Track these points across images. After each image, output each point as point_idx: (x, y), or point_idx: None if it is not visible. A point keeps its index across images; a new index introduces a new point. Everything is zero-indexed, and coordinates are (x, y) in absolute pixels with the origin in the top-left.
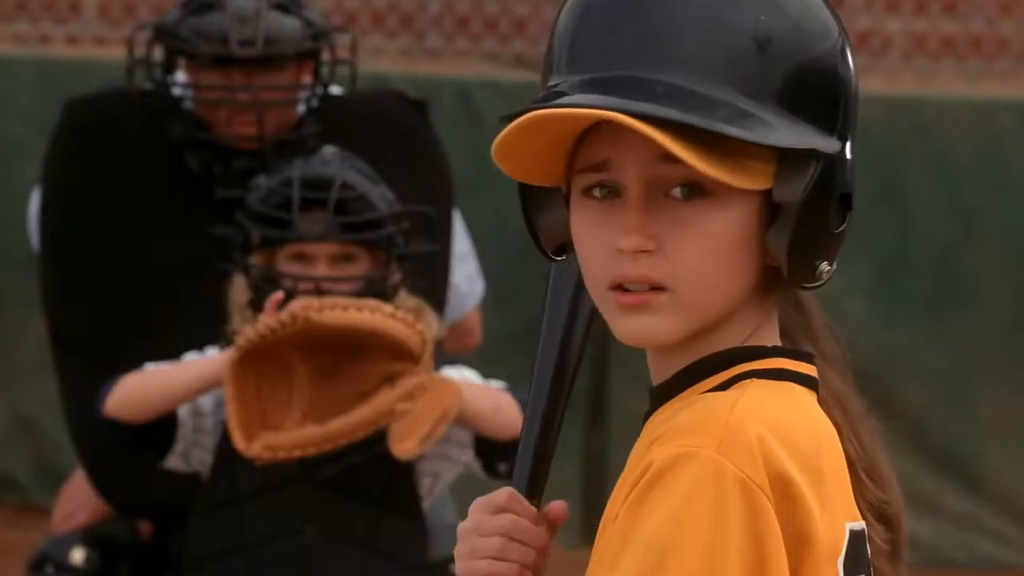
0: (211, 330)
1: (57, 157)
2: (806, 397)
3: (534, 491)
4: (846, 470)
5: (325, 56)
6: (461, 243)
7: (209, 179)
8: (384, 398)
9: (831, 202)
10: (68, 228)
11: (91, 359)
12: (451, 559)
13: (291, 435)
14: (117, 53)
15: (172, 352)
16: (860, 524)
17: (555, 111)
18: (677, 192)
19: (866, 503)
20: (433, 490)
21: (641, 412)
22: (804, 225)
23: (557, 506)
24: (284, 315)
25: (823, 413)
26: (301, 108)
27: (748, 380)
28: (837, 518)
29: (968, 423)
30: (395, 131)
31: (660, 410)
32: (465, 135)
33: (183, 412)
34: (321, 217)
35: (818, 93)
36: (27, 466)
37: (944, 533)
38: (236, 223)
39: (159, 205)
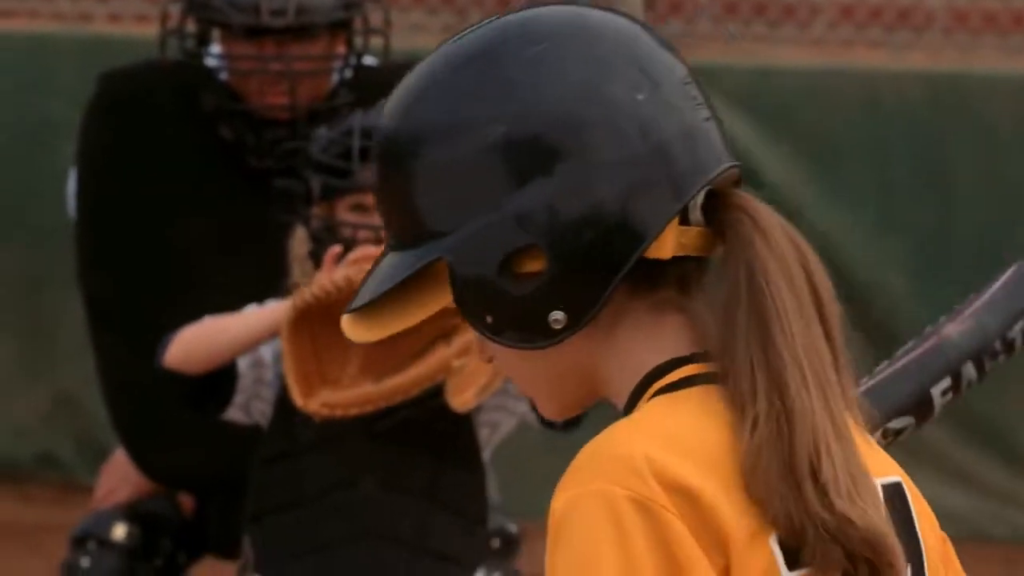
0: (241, 296)
1: (92, 128)
2: (712, 393)
3: None
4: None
5: (358, 26)
6: None
7: (242, 149)
8: (440, 355)
9: (488, 281)
10: (103, 198)
11: (125, 328)
12: (496, 533)
13: (349, 393)
14: (158, 31)
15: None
16: None
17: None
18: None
19: None
20: (491, 441)
21: None
22: (480, 312)
23: None
24: (340, 279)
25: (731, 404)
26: (334, 78)
27: (652, 400)
28: (751, 504)
29: (1007, 396)
30: None
31: None
32: None
33: (243, 364)
34: None
35: (433, 194)
36: (69, 444)
37: (982, 507)
38: (297, 177)
39: (192, 175)
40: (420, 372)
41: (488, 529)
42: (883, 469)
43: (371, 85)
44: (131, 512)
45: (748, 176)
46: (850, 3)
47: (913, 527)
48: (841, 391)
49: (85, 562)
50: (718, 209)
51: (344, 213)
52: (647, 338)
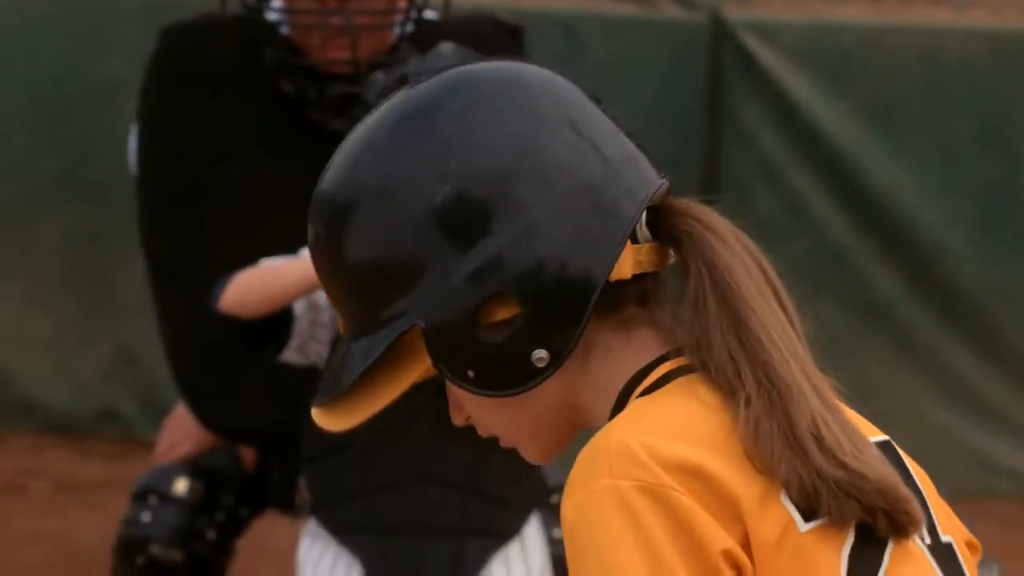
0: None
1: (153, 84)
2: (694, 381)
3: None
4: None
5: None
6: None
7: (304, 104)
8: None
9: (463, 335)
10: (163, 154)
11: (185, 281)
12: (557, 489)
13: None
14: None
15: None
16: None
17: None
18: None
19: None
20: None
21: None
22: (461, 371)
23: None
24: None
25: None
26: (395, 32)
27: (633, 402)
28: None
29: None
30: (489, 55)
31: None
32: (568, 69)
33: (299, 307)
34: None
35: (387, 284)
36: (130, 400)
37: None
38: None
39: (253, 130)
40: None
41: (543, 474)
42: (870, 430)
43: (432, 39)
44: (193, 467)
45: (808, 134)
46: None
47: (913, 480)
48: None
49: (146, 516)
50: (662, 221)
51: None
52: (619, 357)
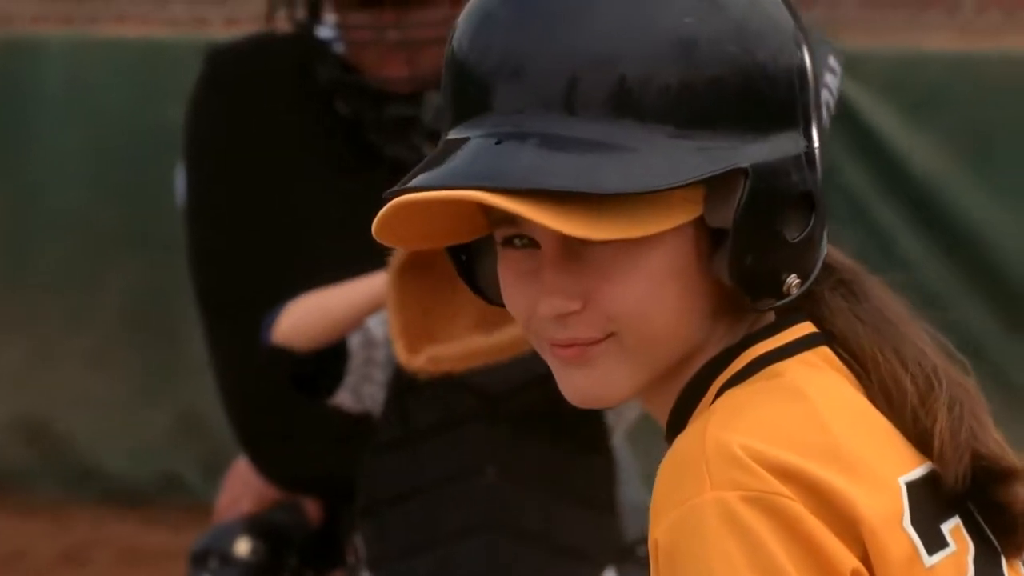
0: (357, 277)
1: (201, 110)
2: (797, 369)
3: None
4: (878, 419)
5: None
6: None
7: (361, 126)
8: None
9: (779, 212)
10: (213, 182)
11: (238, 320)
12: (641, 541)
13: (456, 345)
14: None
15: None
16: (921, 470)
17: (412, 198)
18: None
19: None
20: (618, 425)
21: None
22: (746, 246)
23: None
24: None
25: (831, 371)
26: None
27: (723, 394)
28: (882, 480)
29: None
30: None
31: None
32: None
33: (354, 342)
34: None
35: (753, 96)
36: (195, 465)
37: None
38: (410, 146)
39: (307, 155)
40: None
41: (620, 521)
42: (906, 462)
43: None
44: (254, 525)
45: (893, 167)
46: None
47: None
48: None
49: None
50: None
51: None
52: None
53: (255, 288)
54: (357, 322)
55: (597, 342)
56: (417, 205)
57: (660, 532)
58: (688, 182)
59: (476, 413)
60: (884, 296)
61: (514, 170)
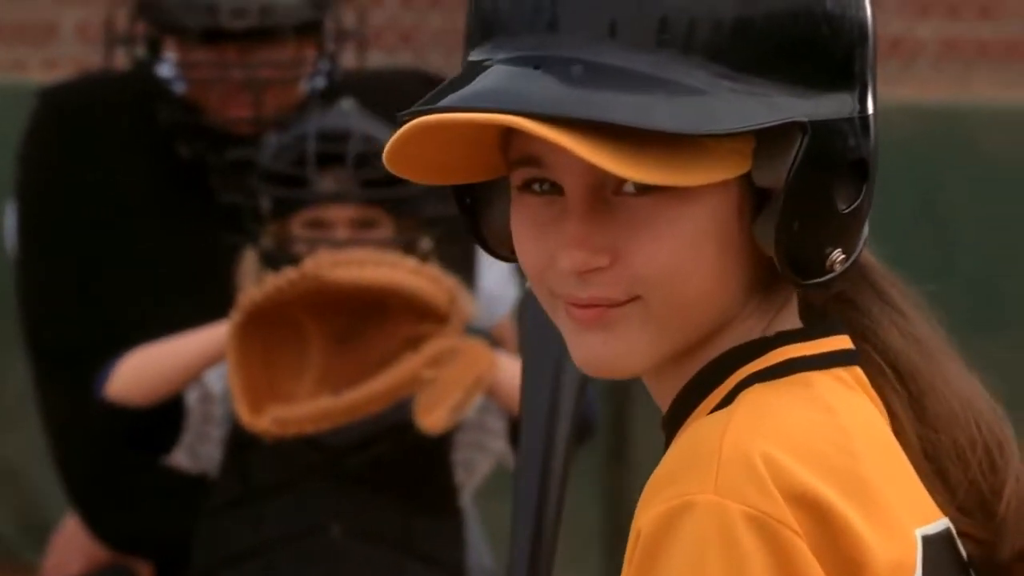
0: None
1: (33, 150)
2: (829, 385)
3: None
4: (902, 458)
5: (329, 29)
6: None
7: (202, 169)
8: (407, 364)
9: (832, 177)
10: (48, 227)
11: (75, 371)
12: None
13: (303, 407)
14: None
15: None
16: (939, 525)
17: (440, 118)
18: (630, 187)
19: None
20: (468, 484)
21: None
22: (796, 211)
23: None
24: (293, 273)
25: (863, 395)
26: (304, 87)
27: (748, 388)
28: (899, 527)
29: None
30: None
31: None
32: None
33: (191, 398)
34: (340, 176)
35: (815, 45)
36: (11, 520)
37: None
38: (246, 193)
39: (146, 200)
40: (384, 383)
41: None
42: (926, 513)
43: (346, 93)
44: None
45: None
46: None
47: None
48: None
49: None
50: None
51: (299, 232)
52: (792, 301)
53: (89, 337)
54: (195, 376)
55: (619, 304)
56: (437, 129)
57: (647, 520)
58: (753, 128)
59: (320, 469)
60: (921, 314)
61: (563, 98)
